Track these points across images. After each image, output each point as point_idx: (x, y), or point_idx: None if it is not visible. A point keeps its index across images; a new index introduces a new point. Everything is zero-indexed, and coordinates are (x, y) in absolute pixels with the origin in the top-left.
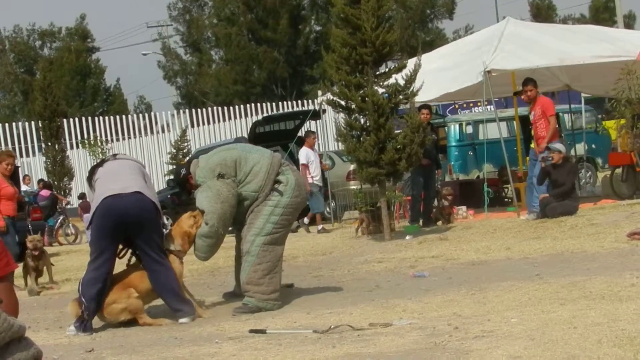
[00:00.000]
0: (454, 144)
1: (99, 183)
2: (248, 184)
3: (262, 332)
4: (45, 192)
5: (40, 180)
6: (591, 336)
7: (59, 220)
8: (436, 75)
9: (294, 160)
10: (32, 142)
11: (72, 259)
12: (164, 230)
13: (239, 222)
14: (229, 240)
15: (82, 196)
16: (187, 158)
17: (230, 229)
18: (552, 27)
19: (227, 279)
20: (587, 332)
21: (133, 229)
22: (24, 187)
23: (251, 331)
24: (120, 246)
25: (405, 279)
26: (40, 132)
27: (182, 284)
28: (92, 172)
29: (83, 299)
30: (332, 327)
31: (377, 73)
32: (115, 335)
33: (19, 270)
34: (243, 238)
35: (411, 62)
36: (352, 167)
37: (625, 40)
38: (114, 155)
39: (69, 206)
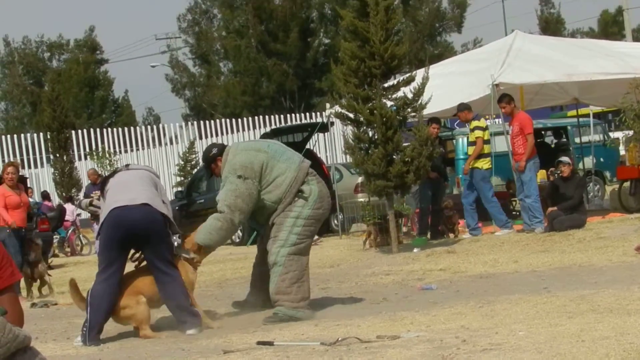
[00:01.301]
0: (462, 157)
1: (109, 194)
2: (269, 193)
3: (270, 344)
4: (47, 203)
5: (44, 192)
6: (599, 350)
7: (70, 231)
8: (443, 87)
9: None
10: (40, 153)
11: (80, 270)
12: (175, 241)
13: (260, 225)
14: (238, 252)
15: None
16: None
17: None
18: (561, 42)
19: (235, 290)
20: (595, 346)
21: (140, 241)
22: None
23: (259, 343)
24: (133, 250)
25: (412, 292)
26: (49, 144)
27: (192, 296)
28: (104, 182)
29: (89, 309)
30: (339, 339)
31: (386, 86)
32: (123, 346)
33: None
34: (268, 251)
35: (419, 75)
36: (360, 179)
37: (633, 56)
38: (127, 165)
39: (79, 217)
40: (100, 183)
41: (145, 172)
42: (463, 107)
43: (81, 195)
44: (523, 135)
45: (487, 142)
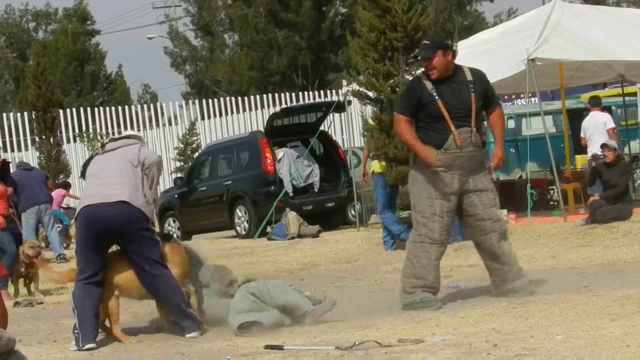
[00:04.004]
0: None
1: (86, 186)
2: None
3: (279, 348)
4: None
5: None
6: None
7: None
8: (473, 64)
9: (316, 157)
10: (24, 135)
11: (68, 265)
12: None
13: None
14: (244, 245)
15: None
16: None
17: None
18: (604, 14)
19: None
20: None
21: (117, 241)
22: None
23: (266, 347)
24: None
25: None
26: (34, 124)
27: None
28: (83, 171)
29: (75, 313)
30: (356, 343)
31: (409, 60)
32: (116, 350)
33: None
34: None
35: None
36: None
37: None
38: (102, 146)
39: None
40: (80, 172)
41: (124, 150)
42: None
43: (70, 181)
44: None
45: None
